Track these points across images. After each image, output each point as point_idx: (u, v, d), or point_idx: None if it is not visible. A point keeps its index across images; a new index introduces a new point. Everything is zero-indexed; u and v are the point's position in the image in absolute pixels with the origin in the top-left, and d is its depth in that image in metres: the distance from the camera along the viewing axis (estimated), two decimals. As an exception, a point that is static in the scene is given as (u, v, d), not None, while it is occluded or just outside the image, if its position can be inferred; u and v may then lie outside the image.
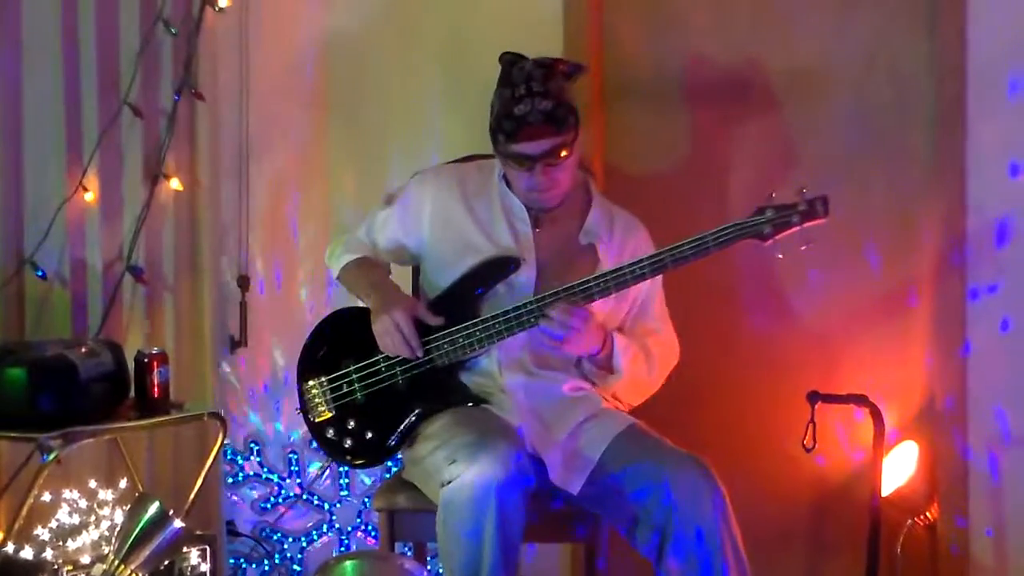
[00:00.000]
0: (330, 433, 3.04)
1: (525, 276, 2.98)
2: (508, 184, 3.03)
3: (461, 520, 2.70)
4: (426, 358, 2.96)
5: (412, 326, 2.92)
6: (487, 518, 2.68)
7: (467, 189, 3.07)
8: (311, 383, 3.07)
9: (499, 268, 2.97)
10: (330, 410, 3.04)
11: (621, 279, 2.86)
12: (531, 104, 2.87)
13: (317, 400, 3.06)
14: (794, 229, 2.79)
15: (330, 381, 3.05)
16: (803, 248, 2.79)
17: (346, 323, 3.08)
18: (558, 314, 2.83)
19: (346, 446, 3.03)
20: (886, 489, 3.36)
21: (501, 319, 2.90)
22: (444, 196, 3.06)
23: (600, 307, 2.92)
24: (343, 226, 3.77)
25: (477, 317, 2.93)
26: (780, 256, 2.82)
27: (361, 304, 3.07)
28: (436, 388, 2.98)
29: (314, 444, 3.14)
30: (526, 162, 2.90)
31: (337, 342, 3.07)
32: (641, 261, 2.85)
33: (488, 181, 3.07)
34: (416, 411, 2.99)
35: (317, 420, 3.06)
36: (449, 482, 2.72)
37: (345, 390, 3.03)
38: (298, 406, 3.09)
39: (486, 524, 2.69)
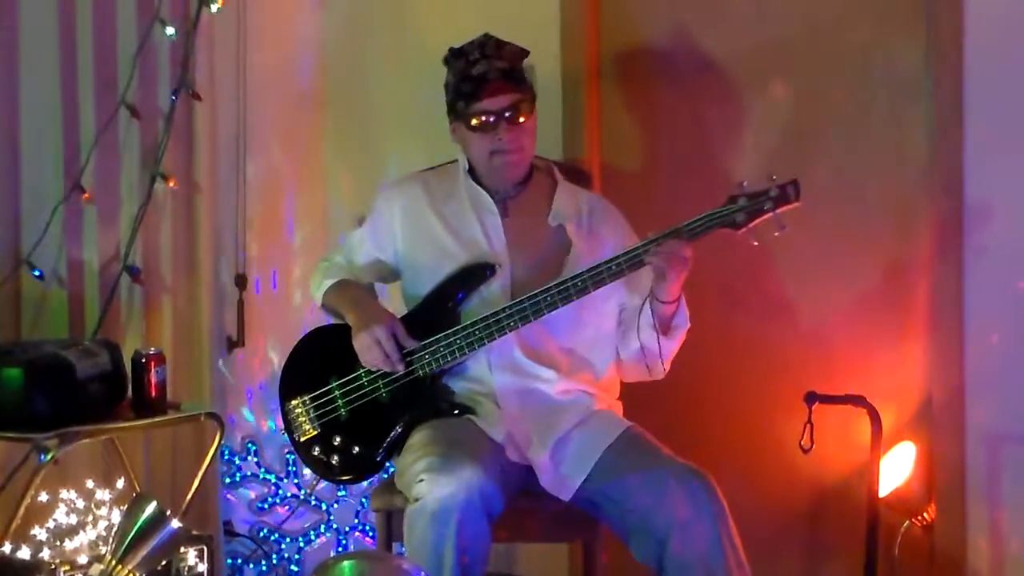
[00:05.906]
0: (316, 451, 3.04)
1: (500, 276, 2.98)
2: (473, 174, 3.04)
3: (422, 543, 2.70)
4: (408, 370, 2.96)
5: (392, 341, 2.93)
6: (446, 544, 2.68)
7: (434, 194, 3.09)
8: (294, 402, 3.07)
9: (474, 275, 2.98)
10: (315, 428, 3.04)
11: (598, 277, 2.86)
12: (488, 64, 2.95)
13: (301, 419, 3.06)
14: (767, 215, 2.79)
15: (313, 399, 3.05)
16: (777, 234, 2.80)
17: (325, 341, 3.08)
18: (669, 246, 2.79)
19: (333, 463, 3.03)
20: (883, 490, 3.36)
21: (480, 325, 2.91)
22: (413, 206, 3.08)
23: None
24: (340, 225, 3.77)
25: (456, 324, 2.93)
26: (755, 243, 2.82)
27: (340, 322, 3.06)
28: (420, 398, 2.98)
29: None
30: (489, 122, 2.92)
31: (317, 360, 3.07)
32: (617, 257, 2.85)
33: (454, 181, 3.10)
34: (401, 423, 2.99)
35: (302, 439, 3.05)
36: (416, 500, 2.72)
37: (329, 407, 3.03)
38: (282, 427, 3.09)
39: (445, 550, 2.68)
